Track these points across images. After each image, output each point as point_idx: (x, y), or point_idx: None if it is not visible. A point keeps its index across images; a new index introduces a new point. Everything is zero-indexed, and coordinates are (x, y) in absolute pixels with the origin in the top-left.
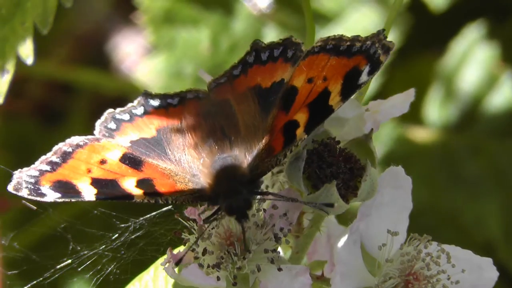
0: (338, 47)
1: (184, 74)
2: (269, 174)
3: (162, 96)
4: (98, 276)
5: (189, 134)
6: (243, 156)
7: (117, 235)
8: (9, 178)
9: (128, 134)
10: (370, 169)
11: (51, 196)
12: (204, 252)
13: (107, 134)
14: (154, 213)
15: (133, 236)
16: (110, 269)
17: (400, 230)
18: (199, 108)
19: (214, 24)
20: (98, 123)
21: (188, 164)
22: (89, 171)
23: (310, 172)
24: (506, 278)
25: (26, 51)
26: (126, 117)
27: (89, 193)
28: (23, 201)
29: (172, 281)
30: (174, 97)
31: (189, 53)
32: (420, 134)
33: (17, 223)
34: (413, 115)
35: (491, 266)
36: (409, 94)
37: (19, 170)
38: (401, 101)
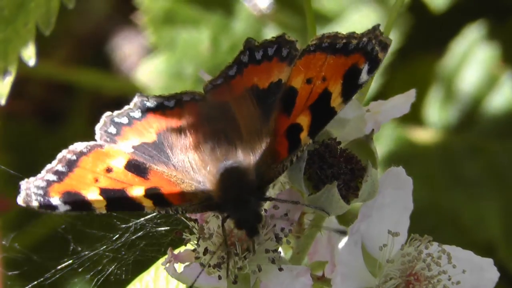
0: (334, 45)
1: (184, 75)
2: None
3: (157, 98)
4: (99, 276)
5: (191, 139)
6: (249, 162)
7: (117, 235)
8: (9, 178)
9: (129, 138)
10: (371, 170)
11: (62, 208)
12: (205, 252)
13: (108, 139)
14: (154, 213)
15: (134, 237)
16: (111, 269)
17: (401, 230)
18: (198, 111)
19: (215, 24)
20: (97, 128)
21: (194, 170)
22: (96, 180)
23: (311, 173)
24: (507, 278)
25: (29, 52)
26: (125, 120)
27: (99, 205)
28: None
29: (173, 281)
30: (170, 99)
31: (189, 53)
32: (421, 135)
33: (17, 223)
34: (414, 116)
35: (492, 267)
36: (410, 95)
37: (26, 180)
38: (402, 101)
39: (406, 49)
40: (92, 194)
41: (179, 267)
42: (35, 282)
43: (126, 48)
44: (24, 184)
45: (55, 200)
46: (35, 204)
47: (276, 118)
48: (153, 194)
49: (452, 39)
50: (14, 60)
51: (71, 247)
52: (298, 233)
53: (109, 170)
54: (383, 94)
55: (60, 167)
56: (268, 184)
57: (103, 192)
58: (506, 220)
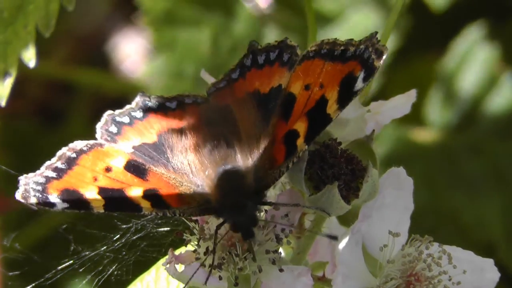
0: (333, 52)
1: (184, 75)
2: None
3: (159, 99)
4: (100, 277)
5: (191, 142)
6: (248, 167)
7: (118, 236)
8: (9, 178)
9: (130, 138)
10: (372, 170)
11: (60, 205)
12: (206, 252)
13: (109, 138)
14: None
15: (134, 237)
16: (111, 270)
17: (402, 231)
18: (200, 114)
19: (215, 24)
20: (99, 126)
21: (193, 173)
22: (95, 179)
23: (311, 173)
24: (507, 278)
25: (29, 54)
26: (126, 120)
27: (97, 204)
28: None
29: (174, 282)
30: (172, 101)
31: (189, 53)
32: (421, 135)
33: (18, 223)
34: (414, 116)
35: (493, 267)
36: (411, 95)
37: (25, 176)
38: (403, 102)
39: (406, 49)
40: (91, 193)
41: (180, 267)
42: (36, 282)
43: (126, 48)
44: (23, 179)
45: (53, 197)
46: (33, 200)
47: (275, 123)
48: (151, 196)
49: (452, 39)
50: (14, 62)
51: (72, 247)
52: (298, 233)
53: (108, 169)
54: (383, 94)
55: (59, 164)
56: (266, 189)
57: (102, 191)
58: (506, 220)
